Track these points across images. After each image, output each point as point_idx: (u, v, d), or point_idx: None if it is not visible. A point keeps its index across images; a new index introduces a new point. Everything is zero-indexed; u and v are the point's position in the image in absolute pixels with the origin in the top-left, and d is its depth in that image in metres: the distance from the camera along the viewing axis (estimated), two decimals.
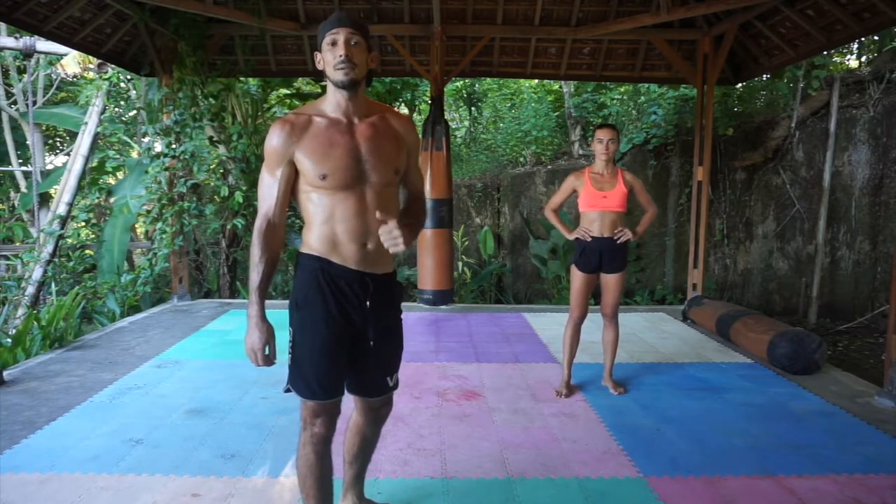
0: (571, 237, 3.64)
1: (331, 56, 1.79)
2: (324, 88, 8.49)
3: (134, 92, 9.05)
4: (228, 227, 7.20)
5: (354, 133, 1.84)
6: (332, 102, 1.86)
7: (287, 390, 1.92)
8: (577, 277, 3.65)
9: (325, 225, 1.83)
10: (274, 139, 1.81)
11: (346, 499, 2.28)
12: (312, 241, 1.86)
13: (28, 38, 7.67)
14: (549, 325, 5.36)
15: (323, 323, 1.85)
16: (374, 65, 1.88)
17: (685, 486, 2.56)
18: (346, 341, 1.90)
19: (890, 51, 7.14)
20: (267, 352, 1.83)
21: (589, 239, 3.55)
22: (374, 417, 2.14)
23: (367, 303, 1.88)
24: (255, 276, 1.82)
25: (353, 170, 1.81)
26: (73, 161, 7.80)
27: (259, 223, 1.83)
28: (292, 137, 1.80)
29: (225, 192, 6.78)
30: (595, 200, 3.52)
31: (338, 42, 1.78)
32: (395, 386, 2.09)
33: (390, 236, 1.74)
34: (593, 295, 3.81)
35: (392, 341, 2.03)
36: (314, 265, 1.86)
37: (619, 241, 3.53)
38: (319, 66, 1.85)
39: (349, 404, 1.99)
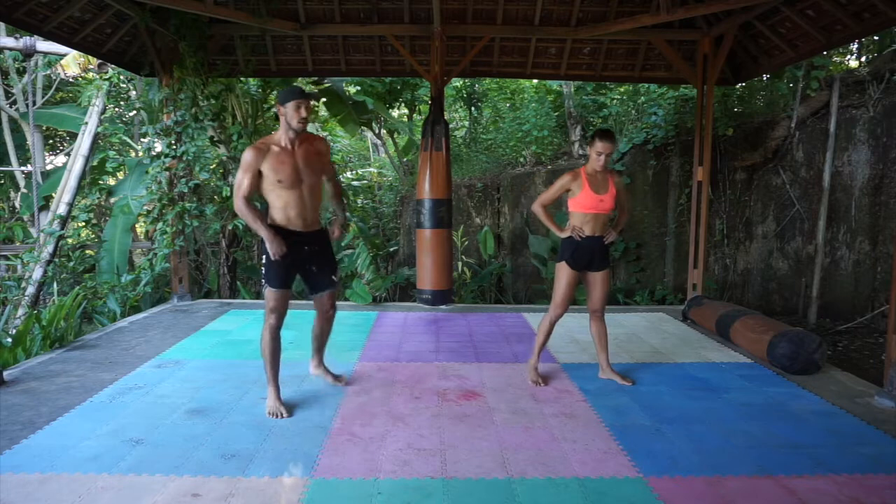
0: (564, 235, 3.74)
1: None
2: (323, 90, 8.54)
3: (134, 92, 9.05)
4: (229, 227, 7.20)
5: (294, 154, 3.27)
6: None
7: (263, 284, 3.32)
8: (566, 275, 3.74)
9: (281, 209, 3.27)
10: None
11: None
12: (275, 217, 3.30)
13: (28, 38, 7.67)
14: None
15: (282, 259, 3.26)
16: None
17: (685, 486, 2.56)
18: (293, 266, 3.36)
19: (890, 51, 7.14)
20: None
21: (580, 238, 3.67)
22: (326, 316, 3.61)
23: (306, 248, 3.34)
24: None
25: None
26: (74, 161, 7.80)
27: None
28: None
29: (227, 192, 6.78)
30: (593, 203, 3.66)
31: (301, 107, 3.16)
32: (338, 284, 3.51)
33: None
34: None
35: (326, 261, 3.47)
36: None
37: (607, 243, 3.73)
38: (284, 119, 3.19)
39: None
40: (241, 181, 3.16)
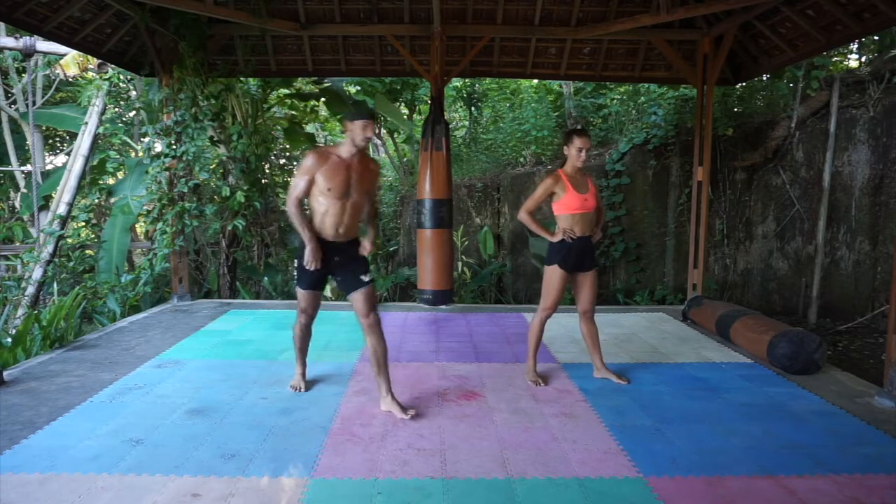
0: (556, 239, 3.74)
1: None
2: (323, 90, 8.55)
3: (134, 92, 9.05)
4: (229, 227, 7.20)
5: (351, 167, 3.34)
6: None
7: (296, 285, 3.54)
8: (559, 277, 3.76)
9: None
10: None
11: None
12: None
13: (28, 38, 7.67)
14: (550, 324, 5.30)
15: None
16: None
17: (685, 486, 2.57)
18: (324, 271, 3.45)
19: (890, 54, 7.14)
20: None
21: (572, 240, 3.70)
22: (365, 324, 3.39)
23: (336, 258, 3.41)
24: None
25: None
26: (74, 161, 7.80)
27: None
28: None
29: (227, 192, 6.78)
30: (579, 203, 3.71)
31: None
32: (371, 282, 3.43)
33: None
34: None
35: (353, 266, 3.44)
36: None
37: (594, 241, 3.81)
38: (350, 135, 3.26)
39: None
40: (298, 183, 3.28)
